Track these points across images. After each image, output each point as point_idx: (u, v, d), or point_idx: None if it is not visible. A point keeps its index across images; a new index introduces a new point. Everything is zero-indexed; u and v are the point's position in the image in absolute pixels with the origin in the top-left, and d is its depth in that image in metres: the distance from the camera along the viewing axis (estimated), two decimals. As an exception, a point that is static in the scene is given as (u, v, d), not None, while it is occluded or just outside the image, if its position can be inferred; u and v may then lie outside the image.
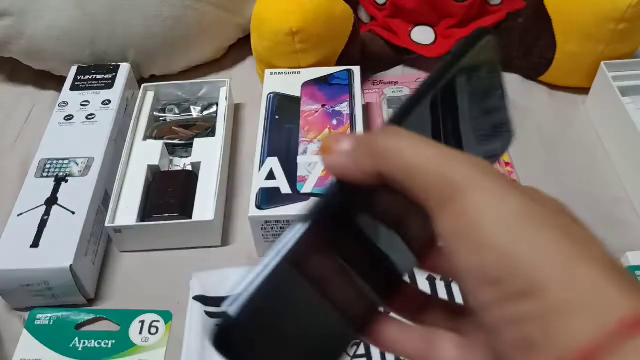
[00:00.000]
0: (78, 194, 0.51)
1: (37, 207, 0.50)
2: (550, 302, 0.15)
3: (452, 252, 0.17)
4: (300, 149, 0.53)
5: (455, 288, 0.46)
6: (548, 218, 0.16)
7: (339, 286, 0.21)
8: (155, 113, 0.62)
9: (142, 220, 0.51)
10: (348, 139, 0.19)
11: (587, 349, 0.14)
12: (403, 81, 0.67)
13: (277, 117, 0.56)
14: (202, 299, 0.46)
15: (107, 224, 0.50)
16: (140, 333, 0.46)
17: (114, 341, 0.46)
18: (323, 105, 0.56)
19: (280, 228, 0.48)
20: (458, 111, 0.20)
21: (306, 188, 0.49)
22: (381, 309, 0.23)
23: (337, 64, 0.61)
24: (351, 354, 0.42)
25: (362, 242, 0.22)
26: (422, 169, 0.17)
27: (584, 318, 0.14)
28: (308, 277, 0.20)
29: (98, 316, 0.47)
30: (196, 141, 0.57)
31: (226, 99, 0.61)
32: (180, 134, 0.60)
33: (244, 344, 0.20)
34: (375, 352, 0.43)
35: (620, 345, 0.13)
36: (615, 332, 0.13)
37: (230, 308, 0.19)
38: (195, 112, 0.62)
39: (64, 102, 0.61)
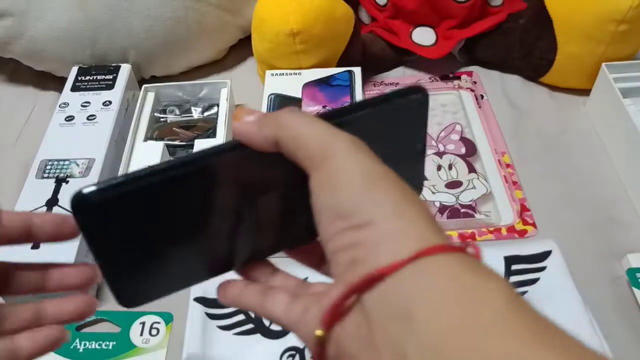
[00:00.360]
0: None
1: (37, 208, 0.50)
2: (379, 231, 0.20)
3: (316, 196, 0.22)
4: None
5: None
6: (388, 176, 0.21)
7: (218, 221, 0.25)
8: (155, 114, 0.62)
9: (142, 222, 0.51)
10: (256, 111, 0.24)
11: (396, 264, 0.19)
12: (404, 82, 0.67)
13: (277, 118, 0.56)
14: (203, 301, 0.46)
15: (107, 225, 0.50)
16: (141, 334, 0.46)
17: (114, 342, 0.46)
18: (324, 106, 0.56)
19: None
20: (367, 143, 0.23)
21: (307, 189, 0.49)
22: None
23: (338, 65, 0.61)
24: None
25: (248, 196, 0.25)
26: (309, 138, 0.22)
27: (399, 244, 0.20)
28: (192, 198, 0.24)
29: (99, 317, 0.47)
30: (197, 142, 0.57)
31: (227, 99, 0.61)
32: (181, 135, 0.60)
33: (102, 217, 0.23)
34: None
35: (418, 261, 0.19)
36: (418, 254, 0.19)
37: (107, 182, 0.23)
38: (196, 113, 0.62)
39: (64, 103, 0.61)
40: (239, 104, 0.66)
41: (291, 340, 0.44)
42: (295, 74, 0.60)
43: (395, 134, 0.26)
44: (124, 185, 0.23)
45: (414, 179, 0.27)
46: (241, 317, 0.45)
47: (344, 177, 0.21)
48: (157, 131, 0.60)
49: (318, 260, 0.28)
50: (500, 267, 0.47)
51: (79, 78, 0.64)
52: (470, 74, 0.68)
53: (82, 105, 0.60)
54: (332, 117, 0.23)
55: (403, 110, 0.26)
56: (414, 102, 0.26)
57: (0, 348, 0.26)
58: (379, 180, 0.21)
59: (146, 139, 0.58)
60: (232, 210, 0.25)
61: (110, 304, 0.49)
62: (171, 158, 0.58)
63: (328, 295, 0.22)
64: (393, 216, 0.20)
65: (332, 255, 0.22)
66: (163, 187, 0.24)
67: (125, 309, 0.26)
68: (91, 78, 0.63)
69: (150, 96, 0.62)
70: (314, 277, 0.27)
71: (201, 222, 0.25)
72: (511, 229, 0.52)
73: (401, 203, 0.21)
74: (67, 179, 0.53)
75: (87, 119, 0.59)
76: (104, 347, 0.46)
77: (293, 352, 0.43)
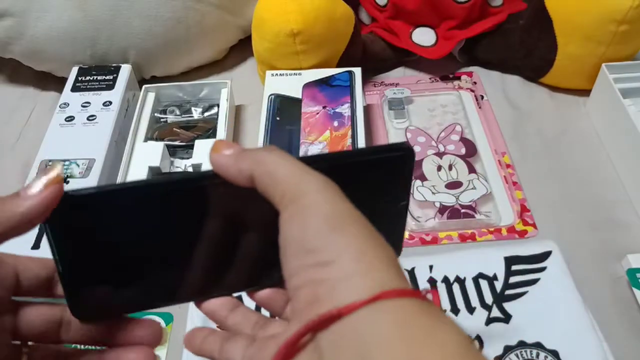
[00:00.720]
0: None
1: (38, 208, 0.50)
2: (340, 271, 0.20)
3: (283, 231, 0.22)
4: (301, 150, 0.52)
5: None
6: (356, 218, 0.22)
7: (184, 248, 0.25)
8: (156, 114, 0.62)
9: (143, 222, 0.51)
10: (235, 145, 0.24)
11: (353, 305, 0.19)
12: (404, 82, 0.67)
13: (278, 118, 0.56)
14: (203, 301, 0.46)
15: (108, 226, 0.50)
16: (141, 334, 0.46)
17: (114, 343, 0.46)
18: (324, 107, 0.56)
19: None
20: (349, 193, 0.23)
21: (307, 190, 0.49)
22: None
23: (338, 65, 0.61)
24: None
25: (217, 228, 0.25)
26: (283, 175, 0.22)
27: (358, 286, 0.20)
28: (161, 220, 0.24)
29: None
30: (197, 142, 0.57)
31: (227, 100, 0.61)
32: (181, 135, 0.60)
33: (70, 223, 0.23)
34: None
35: (375, 303, 0.19)
36: (376, 297, 0.19)
37: (86, 189, 0.23)
38: (196, 113, 0.62)
39: (65, 103, 0.61)
40: (239, 104, 0.66)
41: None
42: (296, 74, 0.60)
43: (376, 189, 0.26)
44: (96, 195, 0.23)
45: (393, 235, 0.26)
46: (241, 317, 0.45)
47: (312, 214, 0.21)
48: (157, 131, 0.60)
49: (281, 308, 0.28)
50: (500, 268, 0.47)
51: (79, 78, 0.64)
52: (470, 74, 0.68)
53: (82, 106, 0.60)
54: (313, 162, 0.23)
55: (387, 165, 0.26)
56: (399, 159, 0.26)
57: None
58: (346, 220, 0.21)
59: (146, 139, 0.58)
60: (199, 239, 0.25)
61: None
62: (168, 166, 0.58)
63: (284, 334, 0.22)
64: (355, 257, 0.20)
65: (293, 292, 0.22)
66: (134, 204, 0.24)
67: None
68: (91, 78, 0.63)
69: (151, 96, 0.62)
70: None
71: (167, 246, 0.25)
72: (511, 229, 0.52)
73: (364, 245, 0.21)
74: (68, 180, 0.53)
75: (88, 119, 0.59)
76: (104, 347, 0.45)
77: (293, 353, 0.43)
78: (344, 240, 0.21)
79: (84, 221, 0.24)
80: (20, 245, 0.50)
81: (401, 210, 0.27)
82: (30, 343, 0.26)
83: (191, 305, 0.46)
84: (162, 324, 0.47)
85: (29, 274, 0.26)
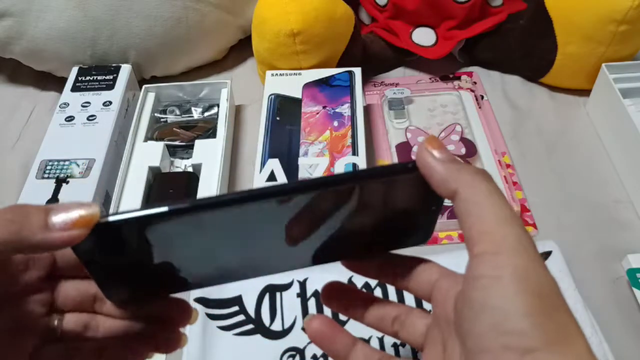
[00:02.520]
0: (79, 195, 0.51)
1: (38, 208, 0.50)
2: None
3: (475, 286, 0.21)
4: (301, 150, 0.52)
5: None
6: (559, 297, 0.21)
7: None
8: (156, 114, 0.62)
9: (143, 222, 0.51)
10: (447, 151, 0.24)
11: None
12: (404, 82, 0.67)
13: (278, 118, 0.56)
14: (204, 301, 0.46)
15: (108, 226, 0.50)
16: (141, 334, 0.46)
17: (114, 343, 0.46)
18: (324, 107, 0.56)
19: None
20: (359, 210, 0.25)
21: (307, 190, 0.49)
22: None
23: (338, 65, 0.61)
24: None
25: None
26: (491, 221, 0.22)
27: None
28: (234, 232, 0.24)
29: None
30: (197, 142, 0.57)
31: (227, 100, 0.61)
32: (181, 135, 0.60)
33: (101, 251, 0.23)
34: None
35: None
36: None
37: (116, 216, 0.22)
38: (196, 113, 0.62)
39: (64, 103, 0.61)
40: (239, 104, 0.66)
41: (291, 340, 0.44)
42: (296, 74, 0.60)
43: (394, 200, 0.26)
44: (136, 220, 0.22)
45: (422, 229, 0.28)
46: (241, 317, 0.45)
47: (520, 289, 0.20)
48: (157, 131, 0.60)
49: (377, 269, 0.29)
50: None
51: (79, 78, 0.64)
52: (470, 74, 0.68)
53: (82, 106, 0.60)
54: (338, 182, 0.23)
55: (403, 183, 0.26)
56: (413, 178, 0.25)
57: None
58: (553, 301, 0.20)
59: (146, 139, 0.58)
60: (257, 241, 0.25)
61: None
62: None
63: None
64: (560, 351, 0.19)
65: (478, 355, 0.21)
66: (187, 229, 0.23)
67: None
68: (91, 78, 0.63)
69: (151, 96, 0.62)
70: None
71: (213, 250, 0.25)
72: (511, 229, 0.52)
73: (568, 338, 0.20)
74: (68, 179, 0.53)
75: (88, 119, 0.59)
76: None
77: (293, 353, 0.43)
78: (552, 327, 0.20)
79: (118, 243, 0.23)
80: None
81: (434, 212, 0.28)
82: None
83: (192, 305, 0.46)
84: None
85: (66, 257, 0.26)
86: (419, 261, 0.29)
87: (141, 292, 0.27)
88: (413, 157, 0.57)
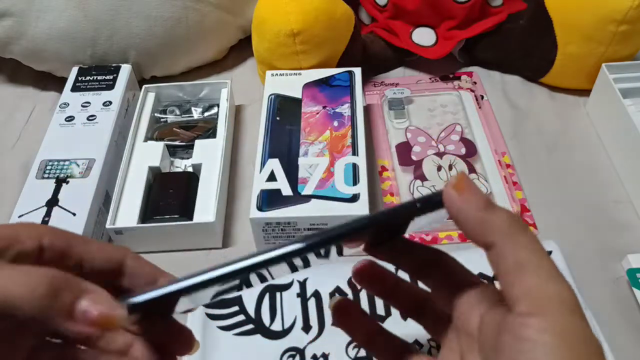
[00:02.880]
0: (79, 195, 0.51)
1: (38, 208, 0.50)
2: None
3: (517, 337, 0.21)
4: (301, 150, 0.52)
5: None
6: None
7: None
8: (156, 114, 0.62)
9: (142, 222, 0.51)
10: (482, 194, 0.23)
11: None
12: (404, 82, 0.67)
13: (278, 118, 0.56)
14: (203, 301, 0.46)
15: (107, 226, 0.50)
16: (141, 335, 0.46)
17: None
18: (324, 107, 0.56)
19: (281, 230, 0.48)
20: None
21: (307, 190, 0.49)
22: None
23: (338, 65, 0.61)
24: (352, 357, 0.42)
25: None
26: (535, 282, 0.21)
27: None
28: None
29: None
30: (197, 142, 0.57)
31: (227, 100, 0.61)
32: (181, 135, 0.60)
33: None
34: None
35: None
36: None
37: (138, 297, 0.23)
38: (196, 113, 0.62)
39: (64, 103, 0.61)
40: (239, 104, 0.66)
41: (291, 340, 0.44)
42: (296, 74, 0.60)
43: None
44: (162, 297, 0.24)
45: None
46: (241, 317, 0.45)
47: (558, 355, 0.20)
48: (157, 131, 0.60)
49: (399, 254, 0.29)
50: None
51: (79, 78, 0.64)
52: (470, 74, 0.68)
53: (82, 106, 0.60)
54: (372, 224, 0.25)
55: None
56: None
57: None
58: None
59: (146, 139, 0.58)
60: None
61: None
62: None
63: None
64: None
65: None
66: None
67: None
68: (91, 78, 0.63)
69: (151, 96, 0.62)
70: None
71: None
72: (511, 229, 0.52)
73: None
74: (67, 179, 0.53)
75: (88, 119, 0.59)
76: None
77: (293, 353, 0.43)
78: None
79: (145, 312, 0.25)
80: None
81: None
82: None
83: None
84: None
85: (96, 264, 0.26)
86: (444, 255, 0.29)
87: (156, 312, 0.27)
88: (414, 157, 0.57)
